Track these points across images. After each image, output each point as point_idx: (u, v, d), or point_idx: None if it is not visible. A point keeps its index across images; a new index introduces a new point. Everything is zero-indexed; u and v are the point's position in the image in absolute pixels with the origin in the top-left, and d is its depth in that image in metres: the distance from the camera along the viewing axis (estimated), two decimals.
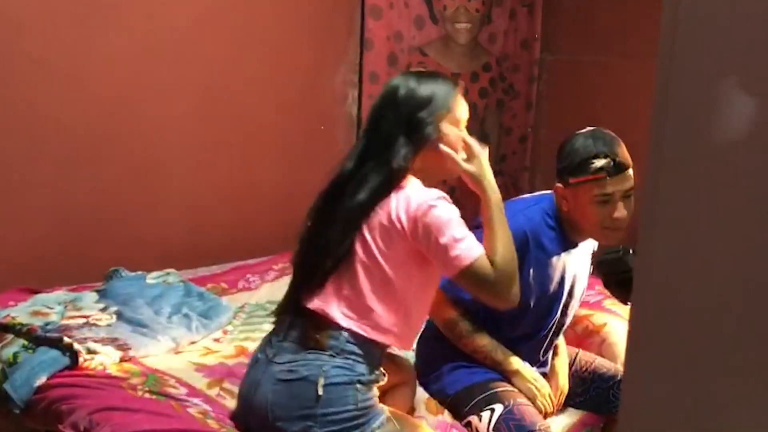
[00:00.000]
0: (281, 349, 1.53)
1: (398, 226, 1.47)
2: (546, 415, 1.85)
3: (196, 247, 2.72)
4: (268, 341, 1.58)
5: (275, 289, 2.51)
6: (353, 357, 1.50)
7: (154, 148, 2.63)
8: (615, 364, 2.08)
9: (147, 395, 1.70)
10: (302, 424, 1.45)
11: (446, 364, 1.87)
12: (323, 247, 1.52)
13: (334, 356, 1.49)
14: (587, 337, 2.29)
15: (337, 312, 1.51)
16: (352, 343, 1.50)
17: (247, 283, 2.56)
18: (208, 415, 1.65)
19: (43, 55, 2.35)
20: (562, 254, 1.82)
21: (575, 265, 1.87)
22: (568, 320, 1.97)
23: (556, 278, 1.82)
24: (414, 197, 1.47)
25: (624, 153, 1.72)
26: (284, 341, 1.54)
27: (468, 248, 1.46)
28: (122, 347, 1.89)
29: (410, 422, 1.59)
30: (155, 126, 2.61)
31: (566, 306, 1.91)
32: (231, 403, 1.74)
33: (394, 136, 1.51)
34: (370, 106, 3.03)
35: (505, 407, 1.76)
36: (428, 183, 1.57)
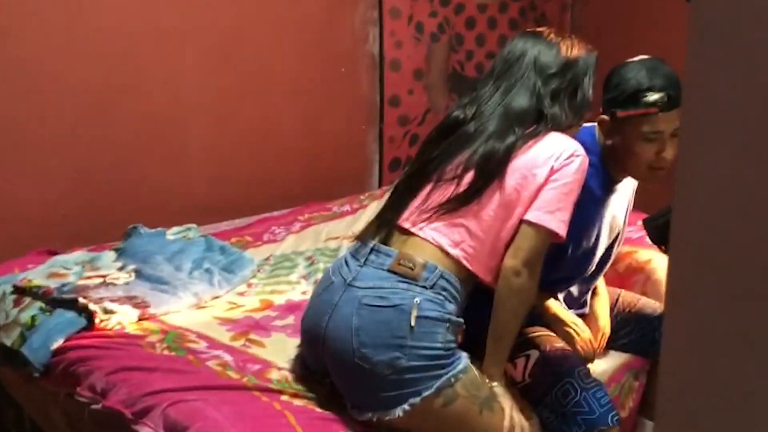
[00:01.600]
0: (361, 273, 1.47)
1: (539, 173, 1.48)
2: (587, 360, 1.75)
3: (218, 201, 2.65)
4: (343, 264, 1.52)
5: (301, 239, 2.48)
6: (445, 294, 1.45)
7: (167, 99, 2.53)
8: (661, 304, 1.96)
9: (166, 352, 1.66)
10: (390, 354, 1.38)
11: (477, 309, 1.78)
12: (449, 178, 1.52)
13: (426, 288, 1.43)
14: (631, 275, 2.17)
15: (447, 239, 1.48)
16: (445, 279, 1.46)
17: (273, 235, 2.49)
18: (229, 366, 1.60)
19: (43, 7, 2.26)
20: (604, 193, 1.72)
21: (616, 204, 1.77)
22: (610, 261, 1.87)
23: (598, 218, 1.73)
24: (560, 147, 1.50)
25: (680, 88, 1.60)
26: (365, 266, 1.48)
27: (557, 220, 1.47)
28: (140, 305, 1.84)
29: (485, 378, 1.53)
30: (167, 76, 2.52)
31: (607, 247, 1.81)
32: (257, 351, 1.69)
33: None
34: (392, 43, 3.03)
35: (541, 353, 1.67)
36: None
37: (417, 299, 1.41)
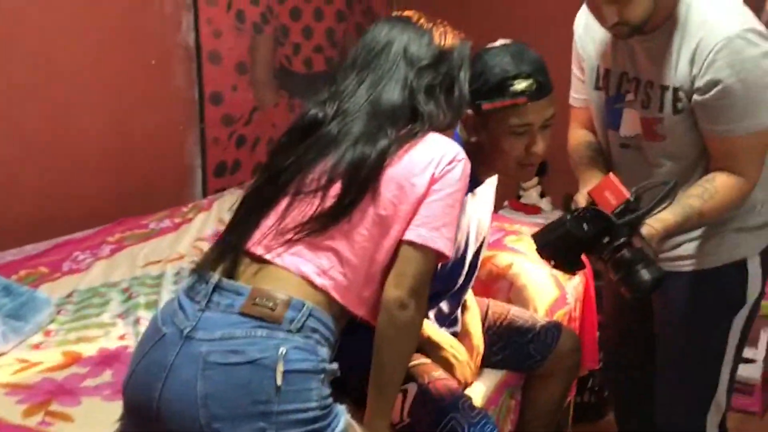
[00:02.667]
0: (204, 320, 1.20)
1: (419, 183, 1.29)
2: (466, 386, 1.65)
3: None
4: (176, 309, 1.22)
5: (113, 267, 2.19)
6: (316, 336, 1.22)
7: None
8: (530, 312, 1.91)
9: None
10: (253, 425, 1.14)
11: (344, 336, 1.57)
12: (310, 191, 1.29)
13: (292, 333, 1.20)
14: (493, 282, 2.10)
15: (312, 267, 1.25)
16: (315, 318, 1.22)
17: (75, 263, 2.20)
18: None
19: None
20: (468, 195, 1.60)
21: (480, 205, 1.68)
22: (477, 270, 1.76)
23: (465, 223, 1.60)
24: (439, 150, 1.32)
25: (547, 73, 1.52)
26: (208, 309, 1.21)
27: (443, 238, 1.28)
28: None
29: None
30: None
31: (475, 253, 1.70)
32: (63, 429, 1.39)
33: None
34: (210, 32, 2.77)
35: (420, 386, 1.52)
36: None
37: (282, 349, 1.16)
